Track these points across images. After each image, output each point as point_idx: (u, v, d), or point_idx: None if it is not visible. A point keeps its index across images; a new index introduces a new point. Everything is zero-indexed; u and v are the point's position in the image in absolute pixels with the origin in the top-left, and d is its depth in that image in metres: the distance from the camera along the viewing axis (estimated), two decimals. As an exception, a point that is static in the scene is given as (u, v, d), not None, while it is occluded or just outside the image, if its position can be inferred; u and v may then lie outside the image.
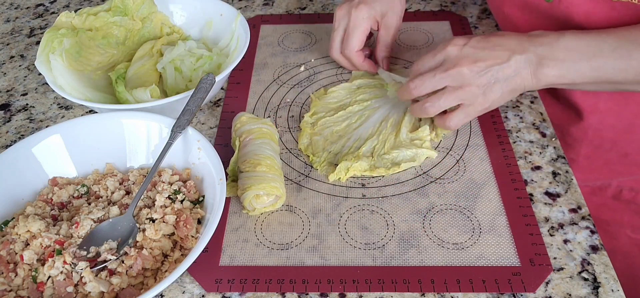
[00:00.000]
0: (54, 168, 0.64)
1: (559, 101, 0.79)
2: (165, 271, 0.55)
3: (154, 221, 0.57)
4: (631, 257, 0.85)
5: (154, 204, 0.59)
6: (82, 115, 0.79)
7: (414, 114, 0.69)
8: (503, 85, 0.63)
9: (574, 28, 0.67)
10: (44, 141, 0.64)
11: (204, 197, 0.61)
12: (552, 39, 0.63)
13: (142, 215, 0.58)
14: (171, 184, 0.62)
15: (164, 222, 0.57)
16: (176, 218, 0.57)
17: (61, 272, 0.53)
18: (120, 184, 0.63)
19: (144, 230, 0.56)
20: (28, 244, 0.56)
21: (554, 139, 0.71)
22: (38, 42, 0.95)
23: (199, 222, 0.59)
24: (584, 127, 0.77)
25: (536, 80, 0.63)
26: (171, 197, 0.60)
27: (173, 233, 0.57)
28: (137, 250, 0.55)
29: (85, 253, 0.55)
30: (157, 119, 0.65)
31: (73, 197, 0.62)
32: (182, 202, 0.60)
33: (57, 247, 0.55)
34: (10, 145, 0.75)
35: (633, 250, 0.85)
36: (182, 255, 0.56)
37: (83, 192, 0.63)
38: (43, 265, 0.54)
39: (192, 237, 0.57)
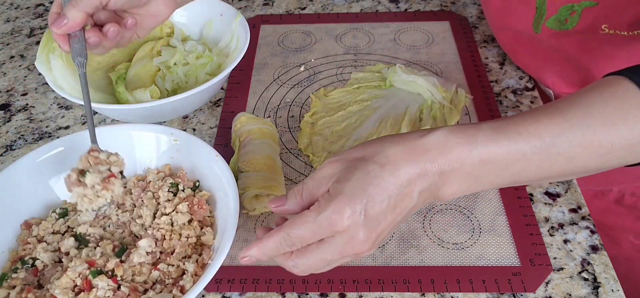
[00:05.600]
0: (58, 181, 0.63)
1: None
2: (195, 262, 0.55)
3: (167, 214, 0.58)
4: (634, 263, 0.85)
5: (158, 204, 0.60)
6: (82, 124, 0.79)
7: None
8: (399, 226, 0.55)
9: (567, 56, 0.67)
10: (48, 154, 0.62)
11: (199, 181, 0.62)
12: (463, 152, 0.46)
13: (147, 220, 0.58)
14: (162, 180, 0.62)
15: (178, 212, 0.58)
16: (189, 205, 0.58)
17: (109, 289, 0.51)
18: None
19: (172, 223, 0.58)
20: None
21: (554, 139, 0.71)
22: (38, 42, 0.95)
23: (207, 202, 0.60)
24: None
25: (435, 199, 0.49)
26: (171, 190, 0.60)
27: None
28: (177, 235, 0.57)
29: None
30: (160, 130, 0.65)
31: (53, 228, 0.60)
32: (183, 190, 0.60)
33: (93, 269, 0.52)
34: (11, 145, 0.75)
35: (636, 256, 0.85)
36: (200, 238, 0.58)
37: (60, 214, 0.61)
38: (77, 294, 0.51)
39: (209, 217, 0.59)
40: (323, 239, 0.46)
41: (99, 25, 0.62)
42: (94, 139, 0.57)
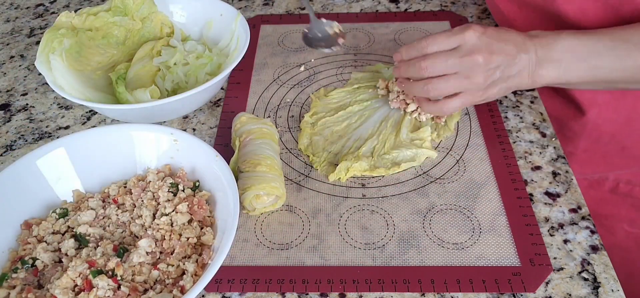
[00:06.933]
0: (59, 182, 0.63)
1: (558, 95, 0.79)
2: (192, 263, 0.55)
3: (167, 215, 0.58)
4: (629, 252, 0.85)
5: (158, 204, 0.59)
6: (82, 124, 0.79)
7: (410, 92, 0.68)
8: (504, 82, 0.65)
9: (570, 25, 0.68)
10: (48, 154, 0.62)
11: (199, 182, 0.62)
12: (550, 40, 0.64)
13: (147, 220, 0.58)
14: (162, 180, 0.62)
15: (178, 212, 0.58)
16: (188, 205, 0.58)
17: (109, 289, 0.51)
18: (103, 201, 0.62)
19: (171, 223, 0.57)
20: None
21: (554, 139, 0.71)
22: (38, 42, 0.95)
23: (207, 202, 0.61)
24: (583, 121, 0.78)
25: (532, 81, 0.65)
26: (171, 190, 0.60)
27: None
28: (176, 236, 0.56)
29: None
30: (160, 130, 0.65)
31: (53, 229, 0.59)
32: (183, 191, 0.61)
33: (93, 269, 0.52)
34: (11, 145, 0.75)
35: (630, 245, 0.85)
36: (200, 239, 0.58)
37: (61, 214, 0.60)
38: (77, 294, 0.51)
39: (208, 217, 0.59)
40: (450, 50, 0.63)
41: None
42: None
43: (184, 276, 0.53)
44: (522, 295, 0.54)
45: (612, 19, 0.67)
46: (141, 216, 0.59)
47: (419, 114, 0.71)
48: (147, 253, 0.54)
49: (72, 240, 0.57)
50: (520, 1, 0.73)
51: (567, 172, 0.67)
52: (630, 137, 0.78)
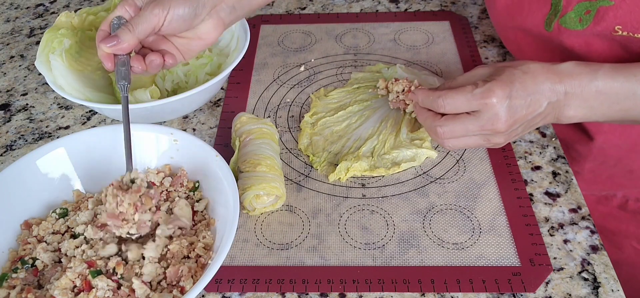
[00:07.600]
0: (59, 182, 0.63)
1: None
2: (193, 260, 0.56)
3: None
4: (636, 268, 0.84)
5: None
6: (82, 124, 0.79)
7: (430, 135, 0.64)
8: (526, 130, 0.61)
9: (575, 57, 0.65)
10: (48, 154, 0.62)
11: (198, 182, 0.62)
12: (585, 81, 0.57)
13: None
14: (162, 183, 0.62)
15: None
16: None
17: (108, 289, 0.51)
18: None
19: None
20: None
21: (554, 139, 0.71)
22: (38, 42, 0.95)
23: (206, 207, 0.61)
24: (590, 145, 0.77)
25: (557, 119, 0.60)
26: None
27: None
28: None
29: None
30: (160, 130, 0.65)
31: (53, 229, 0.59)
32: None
33: (92, 269, 0.52)
34: (11, 145, 0.75)
35: (638, 261, 0.84)
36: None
37: (61, 214, 0.60)
38: (77, 294, 0.51)
39: (201, 211, 0.60)
40: (470, 112, 0.58)
41: (142, 52, 0.64)
42: (129, 166, 0.58)
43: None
44: (522, 295, 0.54)
45: (619, 55, 0.64)
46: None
47: None
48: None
49: (72, 240, 0.57)
50: (526, 31, 0.72)
51: (567, 172, 0.67)
52: (637, 162, 0.77)
